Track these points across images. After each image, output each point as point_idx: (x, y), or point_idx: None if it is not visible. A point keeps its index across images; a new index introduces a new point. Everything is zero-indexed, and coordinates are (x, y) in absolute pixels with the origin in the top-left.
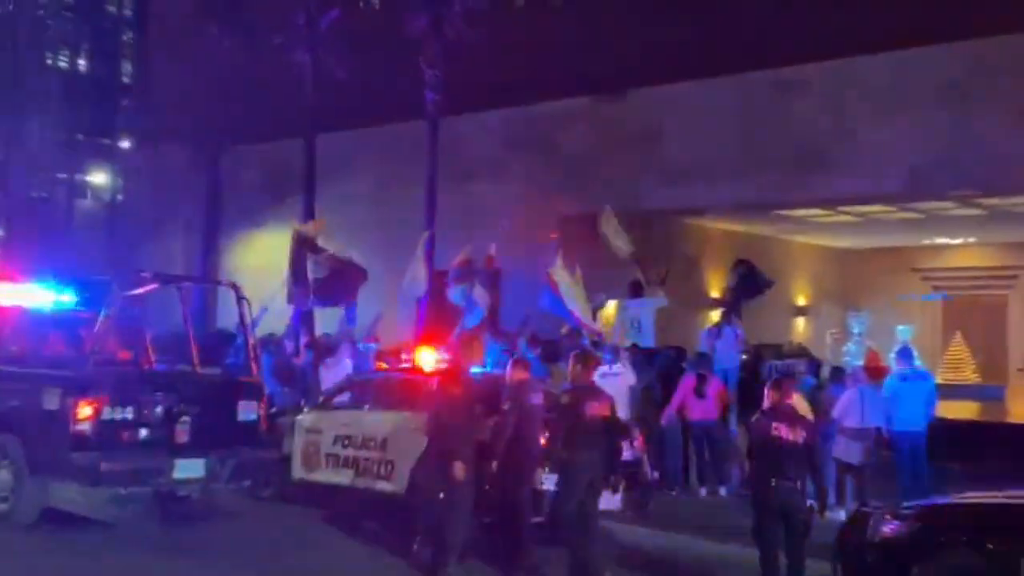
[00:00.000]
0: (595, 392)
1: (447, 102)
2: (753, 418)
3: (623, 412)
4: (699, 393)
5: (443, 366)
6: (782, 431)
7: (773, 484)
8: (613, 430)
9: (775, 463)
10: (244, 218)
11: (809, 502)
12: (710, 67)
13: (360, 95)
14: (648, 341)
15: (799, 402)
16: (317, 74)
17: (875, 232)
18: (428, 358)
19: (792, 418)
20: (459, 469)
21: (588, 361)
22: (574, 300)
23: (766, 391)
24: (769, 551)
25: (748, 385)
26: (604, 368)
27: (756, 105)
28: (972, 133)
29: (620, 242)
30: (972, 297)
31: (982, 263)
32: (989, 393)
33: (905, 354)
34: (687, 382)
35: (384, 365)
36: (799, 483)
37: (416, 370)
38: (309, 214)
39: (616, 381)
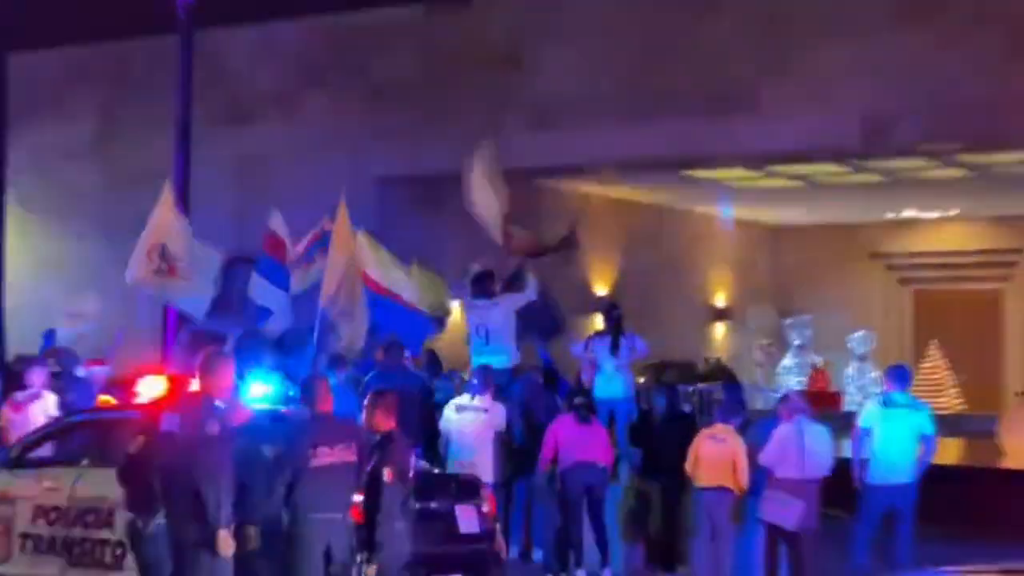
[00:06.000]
0: (334, 428)
1: (208, 7)
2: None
3: (487, 465)
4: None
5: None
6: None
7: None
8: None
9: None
10: None
11: None
12: None
13: None
14: (503, 359)
15: (734, 441)
16: None
17: (820, 202)
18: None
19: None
20: (224, 540)
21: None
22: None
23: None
24: None
25: (645, 422)
26: (462, 399)
27: (657, 21)
28: (952, 62)
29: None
30: (954, 293)
31: (967, 245)
32: (976, 426)
33: (898, 375)
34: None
35: (109, 399)
36: None
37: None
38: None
39: (480, 420)
